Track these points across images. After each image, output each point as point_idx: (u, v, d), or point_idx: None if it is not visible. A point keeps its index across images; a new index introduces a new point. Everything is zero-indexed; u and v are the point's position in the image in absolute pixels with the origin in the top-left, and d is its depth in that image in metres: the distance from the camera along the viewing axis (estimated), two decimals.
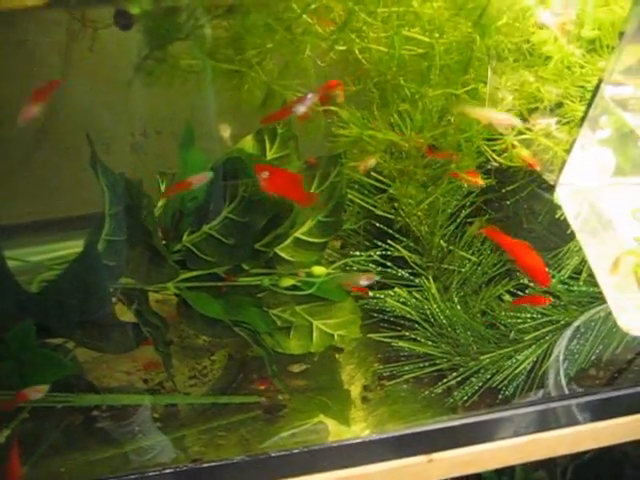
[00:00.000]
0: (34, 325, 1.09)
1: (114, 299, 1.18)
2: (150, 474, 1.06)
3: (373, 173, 1.29)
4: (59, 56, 1.24)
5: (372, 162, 1.22)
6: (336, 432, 1.17)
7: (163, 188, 1.24)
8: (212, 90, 1.16)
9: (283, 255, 1.22)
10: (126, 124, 1.25)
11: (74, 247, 1.16)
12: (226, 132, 1.14)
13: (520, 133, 1.15)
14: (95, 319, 1.15)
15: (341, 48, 1.13)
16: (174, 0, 0.80)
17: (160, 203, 1.21)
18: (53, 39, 1.22)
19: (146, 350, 1.20)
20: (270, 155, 1.24)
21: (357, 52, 1.14)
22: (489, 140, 1.17)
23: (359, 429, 1.17)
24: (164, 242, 1.18)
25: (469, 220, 1.33)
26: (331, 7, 1.09)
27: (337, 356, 1.31)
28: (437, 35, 1.11)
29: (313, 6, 1.04)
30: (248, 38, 1.05)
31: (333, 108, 1.16)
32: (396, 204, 1.30)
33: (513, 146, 1.15)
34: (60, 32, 1.19)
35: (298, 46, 1.10)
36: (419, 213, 1.28)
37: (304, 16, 1.06)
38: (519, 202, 1.31)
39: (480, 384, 1.21)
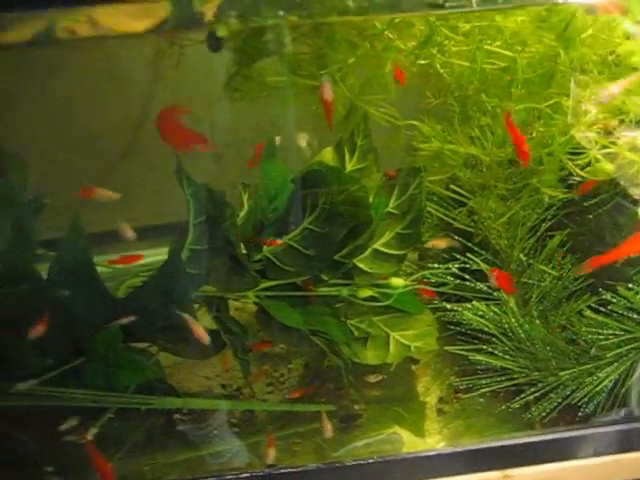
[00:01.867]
0: (120, 329, 1.14)
1: (196, 306, 1.22)
2: (227, 477, 1.09)
3: (453, 186, 1.28)
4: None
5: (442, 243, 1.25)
6: (410, 443, 1.17)
7: (245, 199, 1.27)
8: (295, 105, 1.18)
9: (362, 266, 1.23)
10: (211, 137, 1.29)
11: (159, 255, 1.21)
12: (308, 145, 1.16)
13: (604, 147, 1.13)
14: (178, 325, 1.19)
15: (422, 62, 1.14)
16: (261, 20, 0.82)
17: (242, 213, 1.24)
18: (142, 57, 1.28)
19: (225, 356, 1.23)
20: (349, 167, 1.26)
21: (438, 66, 1.14)
22: (572, 154, 1.15)
23: (434, 441, 1.16)
24: (245, 252, 1.20)
25: (550, 234, 1.31)
26: (412, 22, 1.10)
27: (413, 367, 1.31)
28: (519, 48, 1.10)
29: (396, 20, 1.05)
30: (331, 55, 1.07)
31: (414, 122, 1.16)
32: (475, 217, 1.29)
33: (597, 160, 1.13)
34: (149, 50, 1.24)
35: (380, 61, 1.11)
36: (499, 227, 1.27)
37: (386, 32, 1.08)
38: (602, 216, 1.28)
39: (559, 400, 1.19)
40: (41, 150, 1.35)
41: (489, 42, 1.11)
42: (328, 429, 1.16)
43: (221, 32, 0.89)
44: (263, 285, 1.20)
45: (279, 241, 1.17)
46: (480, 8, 0.82)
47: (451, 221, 1.32)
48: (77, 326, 1.15)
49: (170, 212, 1.21)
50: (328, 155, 1.27)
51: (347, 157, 1.26)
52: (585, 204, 1.27)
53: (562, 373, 1.20)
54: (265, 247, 1.18)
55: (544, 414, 1.18)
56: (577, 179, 1.16)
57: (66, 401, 1.15)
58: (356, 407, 1.22)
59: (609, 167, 1.13)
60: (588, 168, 1.14)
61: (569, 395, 1.19)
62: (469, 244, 1.31)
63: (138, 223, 1.50)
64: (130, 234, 1.15)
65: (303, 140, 1.17)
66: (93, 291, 1.15)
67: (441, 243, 1.30)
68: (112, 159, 1.43)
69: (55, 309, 1.13)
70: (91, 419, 1.16)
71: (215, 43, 0.95)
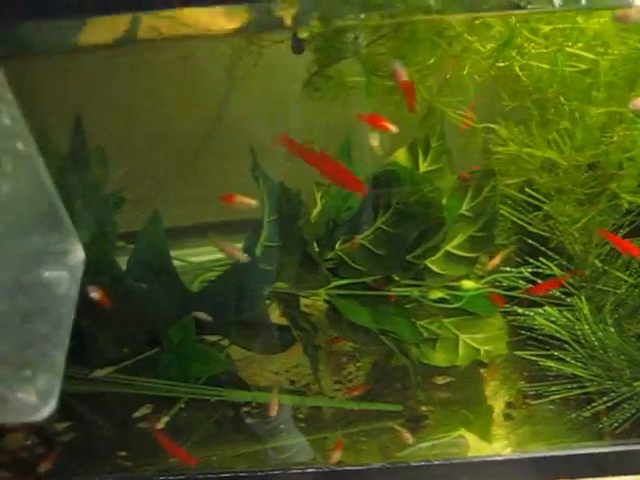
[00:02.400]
0: (193, 322, 1.17)
1: (268, 302, 1.24)
2: (293, 472, 1.10)
3: (528, 190, 1.27)
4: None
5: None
6: (477, 447, 1.16)
7: (319, 197, 1.28)
8: (373, 105, 1.19)
9: (433, 268, 1.23)
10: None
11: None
12: (383, 145, 1.17)
13: None
14: (249, 320, 1.21)
15: (501, 65, 1.13)
16: (342, 21, 0.84)
17: (315, 212, 1.26)
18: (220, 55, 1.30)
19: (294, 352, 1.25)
20: (423, 168, 1.26)
21: (517, 69, 1.13)
22: None
23: (500, 446, 1.15)
24: (318, 250, 1.22)
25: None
26: (491, 24, 1.10)
27: (482, 371, 1.31)
28: (602, 50, 1.08)
29: (477, 22, 1.04)
30: (410, 56, 1.08)
31: (492, 125, 1.16)
32: (551, 222, 1.28)
33: None
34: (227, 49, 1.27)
35: (458, 63, 1.11)
36: (575, 232, 1.25)
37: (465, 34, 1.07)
38: None
39: (633, 411, 1.16)
40: (121, 146, 1.40)
41: (570, 44, 1.09)
42: (406, 436, 1.16)
43: (303, 34, 0.91)
44: (334, 283, 1.21)
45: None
46: (561, 9, 0.81)
47: (525, 225, 1.30)
48: (153, 317, 1.19)
49: (245, 209, 1.23)
50: (402, 155, 1.27)
51: (421, 158, 1.26)
52: None
53: (636, 383, 1.17)
54: (338, 246, 1.20)
55: (616, 425, 1.16)
56: None
57: (140, 389, 1.19)
58: (423, 408, 1.23)
59: None
60: None
61: None
62: (543, 248, 1.30)
63: (214, 218, 1.54)
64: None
65: (375, 140, 1.18)
66: (169, 284, 1.19)
67: (498, 259, 1.28)
68: (189, 156, 1.46)
69: (132, 300, 1.17)
70: (164, 408, 1.20)
71: (298, 45, 0.97)
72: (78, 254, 0.84)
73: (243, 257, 1.12)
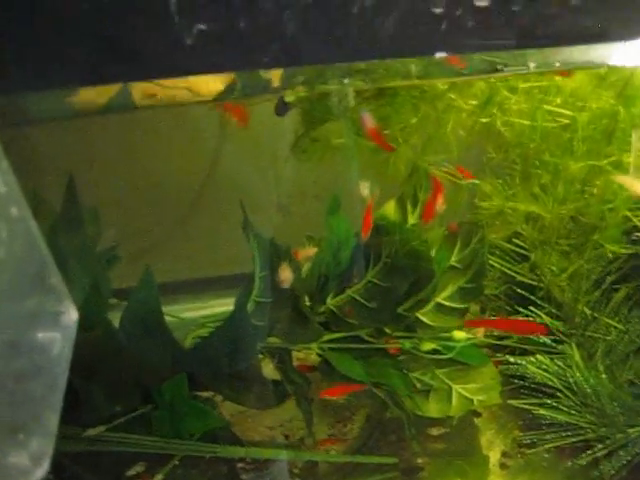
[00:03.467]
0: (186, 378, 1.17)
1: (260, 357, 1.24)
2: None
3: (515, 240, 1.29)
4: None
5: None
6: None
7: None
8: (359, 164, 1.22)
9: (424, 319, 1.24)
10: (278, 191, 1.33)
11: (225, 306, 1.24)
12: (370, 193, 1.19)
13: None
14: (242, 375, 1.21)
15: (483, 120, 1.16)
16: (326, 86, 0.86)
17: (306, 267, 1.27)
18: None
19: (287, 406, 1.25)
20: (412, 220, 1.27)
21: (499, 124, 1.16)
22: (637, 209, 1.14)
23: None
24: (309, 304, 1.22)
25: (615, 287, 1.29)
26: (472, 82, 1.13)
27: (476, 421, 1.30)
28: (580, 104, 1.11)
29: (458, 80, 1.07)
30: (394, 116, 1.10)
31: (476, 181, 1.18)
32: (538, 271, 1.29)
33: None
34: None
35: (441, 121, 1.14)
36: (562, 281, 1.26)
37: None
38: None
39: (629, 458, 1.16)
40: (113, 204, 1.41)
41: (549, 99, 1.12)
42: None
43: (289, 97, 0.93)
44: (326, 337, 1.22)
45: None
46: (536, 70, 0.84)
47: (513, 274, 1.31)
48: (145, 374, 1.19)
49: (235, 263, 1.24)
50: (390, 208, 1.29)
51: (409, 210, 1.28)
52: None
53: (631, 430, 1.17)
54: (329, 300, 1.21)
55: (613, 472, 1.15)
56: None
57: (134, 447, 1.18)
58: (418, 460, 1.22)
59: None
60: None
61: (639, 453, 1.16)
62: (532, 297, 1.31)
63: (204, 274, 1.56)
64: None
65: (365, 189, 1.19)
66: (162, 340, 1.19)
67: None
68: (180, 213, 1.48)
69: (125, 357, 1.17)
70: (158, 465, 1.19)
71: (282, 108, 0.99)
72: (71, 315, 0.85)
73: None
